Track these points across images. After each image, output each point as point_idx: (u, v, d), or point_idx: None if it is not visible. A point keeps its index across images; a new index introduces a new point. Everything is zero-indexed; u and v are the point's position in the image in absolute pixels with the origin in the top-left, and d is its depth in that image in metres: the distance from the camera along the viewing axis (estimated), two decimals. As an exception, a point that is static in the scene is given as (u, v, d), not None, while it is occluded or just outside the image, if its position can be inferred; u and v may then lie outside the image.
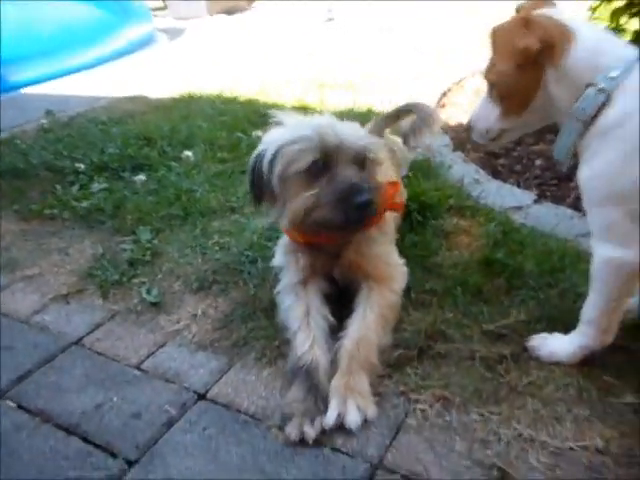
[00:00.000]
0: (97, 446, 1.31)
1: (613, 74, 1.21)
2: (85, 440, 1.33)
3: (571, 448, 1.22)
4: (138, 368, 1.55)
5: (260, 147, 1.57)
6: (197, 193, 2.47)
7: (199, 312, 1.74)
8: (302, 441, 1.26)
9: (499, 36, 1.35)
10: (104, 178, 2.74)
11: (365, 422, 1.30)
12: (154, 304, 1.78)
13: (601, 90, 1.21)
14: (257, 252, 1.98)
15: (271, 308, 1.68)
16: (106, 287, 1.89)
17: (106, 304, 1.82)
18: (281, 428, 1.30)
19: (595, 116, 1.23)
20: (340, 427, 1.29)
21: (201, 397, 1.44)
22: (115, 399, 1.44)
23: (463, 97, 3.94)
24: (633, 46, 1.28)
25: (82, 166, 2.79)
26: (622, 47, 1.29)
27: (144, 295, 1.82)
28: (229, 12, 9.49)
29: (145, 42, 6.78)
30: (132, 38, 6.52)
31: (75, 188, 2.65)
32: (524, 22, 1.29)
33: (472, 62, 4.51)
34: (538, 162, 2.68)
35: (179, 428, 1.35)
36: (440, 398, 1.36)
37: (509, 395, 1.36)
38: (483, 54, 1.43)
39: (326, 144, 1.46)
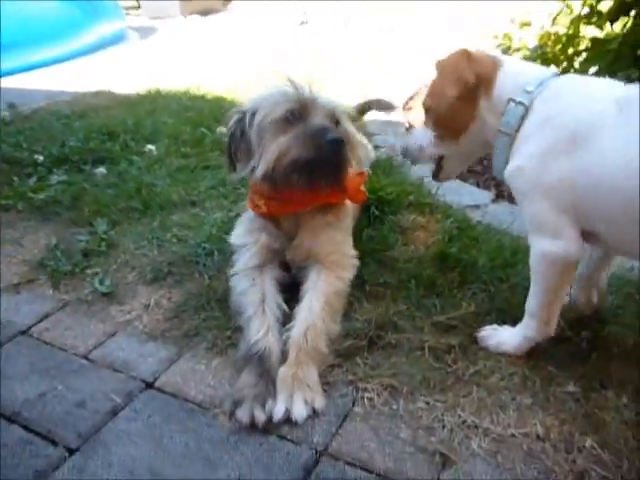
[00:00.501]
0: (38, 434, 1.28)
1: (529, 88, 1.31)
2: (26, 428, 1.30)
3: (513, 435, 1.24)
4: (86, 358, 1.52)
5: (241, 107, 1.65)
6: (158, 187, 2.45)
7: (152, 303, 1.71)
8: (252, 425, 1.25)
9: (443, 67, 1.45)
10: (63, 171, 2.68)
11: (313, 413, 1.30)
12: (106, 294, 1.76)
13: (520, 103, 1.31)
14: (214, 244, 1.96)
15: (224, 299, 1.67)
16: (58, 277, 1.85)
17: (57, 294, 1.79)
18: (232, 414, 1.29)
19: (518, 128, 1.32)
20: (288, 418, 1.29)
21: (148, 386, 1.42)
22: (60, 388, 1.41)
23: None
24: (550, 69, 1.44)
25: (41, 158, 2.74)
26: (542, 70, 1.41)
27: (96, 285, 1.79)
28: (203, 13, 9.46)
29: (116, 39, 6.72)
30: (102, 35, 6.45)
31: (32, 180, 2.59)
32: (466, 56, 1.40)
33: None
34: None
35: (124, 416, 1.33)
36: (388, 387, 1.37)
37: (455, 384, 1.38)
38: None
39: (302, 96, 1.59)
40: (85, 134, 3.06)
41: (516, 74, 1.37)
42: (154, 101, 3.83)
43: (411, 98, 4.11)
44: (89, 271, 1.89)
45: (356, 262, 1.68)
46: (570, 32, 2.69)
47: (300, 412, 1.29)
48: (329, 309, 1.50)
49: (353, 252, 1.70)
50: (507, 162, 1.36)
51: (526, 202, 1.32)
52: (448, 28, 5.84)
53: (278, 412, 1.28)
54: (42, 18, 5.53)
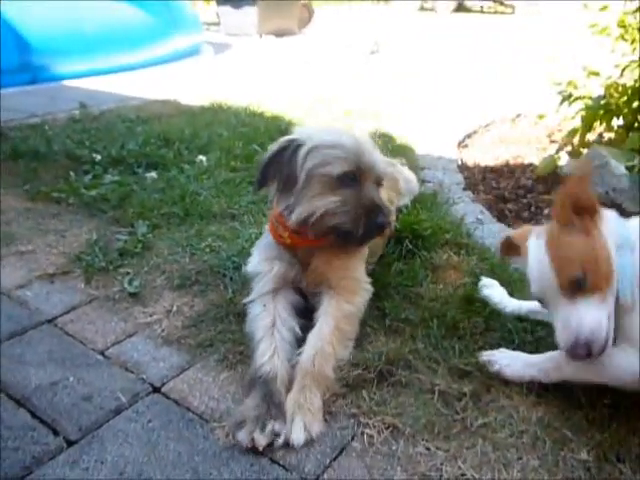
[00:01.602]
0: (42, 422, 1.32)
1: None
2: (32, 414, 1.34)
3: (512, 496, 1.17)
4: (102, 353, 1.56)
5: (292, 136, 1.62)
6: (201, 196, 2.51)
7: (174, 308, 1.75)
8: (253, 448, 1.24)
9: None
10: (118, 171, 2.81)
11: (310, 439, 1.28)
12: (133, 294, 1.81)
13: None
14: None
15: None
16: (91, 272, 1.92)
17: (87, 289, 1.85)
18: (233, 434, 1.29)
19: None
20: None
21: (155, 390, 1.44)
22: (71, 379, 1.45)
23: (486, 141, 3.94)
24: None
25: (99, 157, 2.88)
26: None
27: (125, 285, 1.84)
28: (278, 34, 9.74)
29: (191, 52, 7.01)
30: (179, 47, 6.75)
31: (88, 177, 2.73)
32: None
33: (506, 107, 4.54)
34: (547, 211, 2.65)
35: (125, 416, 1.35)
36: (390, 426, 1.33)
37: (461, 433, 1.32)
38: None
39: (362, 160, 1.56)
40: (144, 139, 3.20)
41: None
42: (215, 114, 3.96)
43: (468, 136, 4.07)
44: (121, 270, 1.95)
45: (369, 287, 1.66)
46: (637, 85, 2.60)
47: (298, 437, 1.27)
48: (338, 334, 1.48)
49: (365, 278, 1.68)
50: None
51: None
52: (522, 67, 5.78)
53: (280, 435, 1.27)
54: (121, 25, 5.84)
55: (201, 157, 2.95)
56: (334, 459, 1.25)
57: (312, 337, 1.47)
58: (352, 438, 1.30)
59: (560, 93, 2.94)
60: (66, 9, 5.25)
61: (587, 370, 1.34)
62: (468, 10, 17.97)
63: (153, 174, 2.76)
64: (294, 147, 1.58)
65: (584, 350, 1.23)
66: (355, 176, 1.55)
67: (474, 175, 3.17)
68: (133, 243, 2.09)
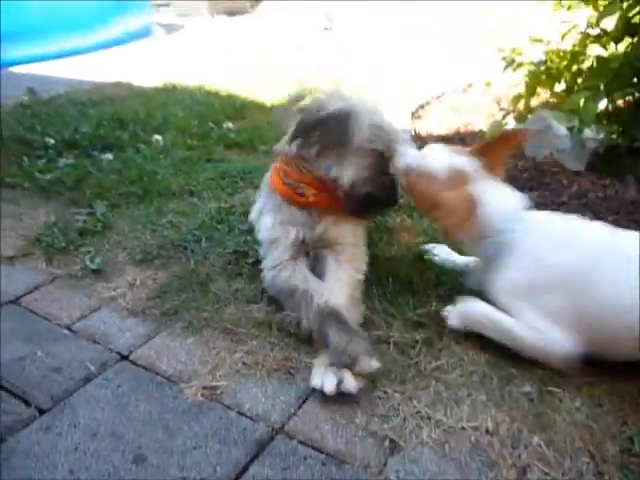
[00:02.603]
0: (13, 394, 1.35)
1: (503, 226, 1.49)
2: (3, 388, 1.37)
3: (463, 428, 1.27)
4: (68, 328, 1.59)
5: (341, 104, 1.66)
6: (159, 175, 2.53)
7: (137, 282, 1.78)
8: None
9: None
10: (73, 155, 2.79)
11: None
12: (95, 271, 1.83)
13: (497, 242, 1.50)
14: (204, 232, 2.03)
15: (206, 283, 1.74)
16: (52, 253, 1.93)
17: (49, 268, 1.87)
18: (346, 365, 1.36)
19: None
20: (246, 393, 1.36)
21: (123, 358, 1.48)
22: (39, 354, 1.48)
23: (439, 111, 4.03)
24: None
25: (52, 141, 2.85)
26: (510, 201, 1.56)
27: (87, 262, 1.86)
28: (230, 13, 9.61)
29: (142, 34, 6.89)
30: (129, 28, 6.62)
31: (42, 161, 2.70)
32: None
33: (459, 78, 4.64)
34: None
35: (95, 384, 1.39)
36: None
37: (415, 377, 1.41)
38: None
39: (393, 141, 1.70)
40: (97, 121, 3.17)
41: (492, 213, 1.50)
42: (169, 95, 3.94)
43: (422, 107, 4.16)
44: (82, 249, 1.97)
45: (366, 256, 1.76)
46: (576, 49, 2.72)
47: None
48: (352, 300, 1.57)
49: (365, 246, 1.78)
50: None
51: None
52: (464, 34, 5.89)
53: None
54: (68, 8, 5.68)
55: (157, 137, 2.96)
56: (299, 408, 1.33)
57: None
58: (314, 389, 1.38)
59: (504, 59, 3.05)
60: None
61: (482, 327, 1.52)
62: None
63: (109, 155, 2.76)
64: (346, 117, 1.64)
65: None
66: (389, 154, 1.68)
67: (427, 144, 3.25)
68: (93, 222, 2.11)
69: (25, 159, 2.66)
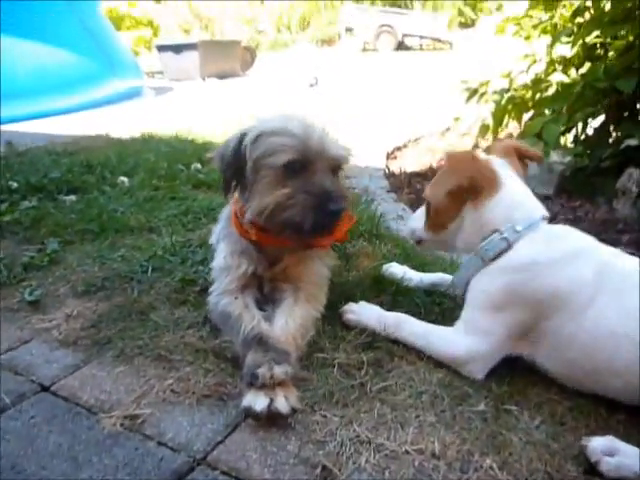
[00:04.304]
0: None
1: (518, 228, 1.35)
2: None
3: (406, 451, 1.14)
4: (-7, 361, 1.48)
5: (246, 128, 1.53)
6: (118, 213, 2.47)
7: (74, 313, 1.68)
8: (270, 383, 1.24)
9: (449, 161, 1.49)
10: (36, 198, 2.74)
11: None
12: (32, 303, 1.73)
13: (504, 239, 1.35)
14: (155, 263, 1.94)
15: (147, 312, 1.64)
16: (-8, 287, 1.84)
17: (-13, 302, 1.77)
18: (250, 383, 1.25)
19: (494, 258, 1.37)
20: (171, 422, 1.23)
21: (44, 389, 1.36)
22: (-47, 386, 1.37)
23: (415, 152, 4.03)
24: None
25: (15, 185, 2.81)
26: (534, 206, 1.42)
27: (25, 295, 1.77)
28: (221, 76, 9.93)
29: (132, 95, 7.06)
30: (118, 89, 6.78)
31: (4, 205, 2.64)
32: (471, 157, 1.45)
33: (436, 122, 4.68)
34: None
35: (7, 416, 1.27)
36: (287, 399, 1.28)
37: (359, 399, 1.29)
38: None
39: (308, 147, 1.46)
40: (67, 167, 3.15)
41: (510, 206, 1.39)
42: (145, 143, 3.96)
43: (398, 149, 4.17)
44: (24, 283, 1.87)
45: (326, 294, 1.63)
46: (539, 77, 2.72)
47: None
48: (303, 331, 1.44)
49: (327, 285, 1.66)
50: (468, 281, 1.42)
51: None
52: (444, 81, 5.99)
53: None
54: (56, 69, 5.84)
55: (122, 178, 2.92)
56: (227, 436, 1.20)
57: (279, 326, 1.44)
58: (246, 415, 1.25)
59: (467, 89, 3.06)
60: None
61: (417, 338, 1.44)
62: (408, 48, 18.76)
63: (72, 197, 2.71)
64: (240, 137, 1.50)
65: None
66: (304, 164, 1.45)
67: (400, 180, 3.22)
68: (40, 258, 2.02)
69: (-14, 203, 2.61)
